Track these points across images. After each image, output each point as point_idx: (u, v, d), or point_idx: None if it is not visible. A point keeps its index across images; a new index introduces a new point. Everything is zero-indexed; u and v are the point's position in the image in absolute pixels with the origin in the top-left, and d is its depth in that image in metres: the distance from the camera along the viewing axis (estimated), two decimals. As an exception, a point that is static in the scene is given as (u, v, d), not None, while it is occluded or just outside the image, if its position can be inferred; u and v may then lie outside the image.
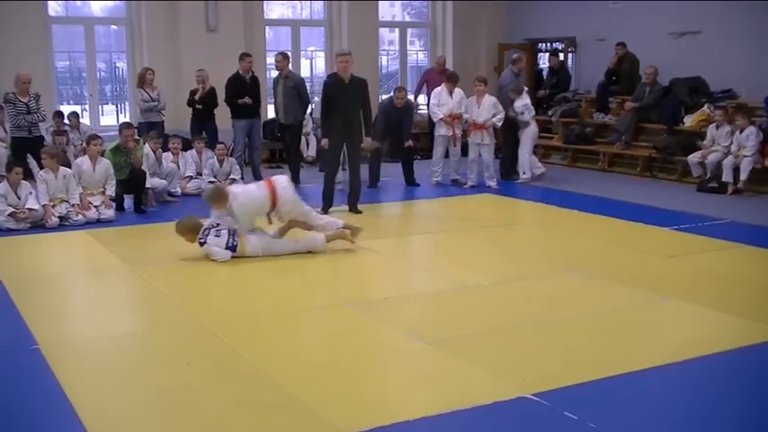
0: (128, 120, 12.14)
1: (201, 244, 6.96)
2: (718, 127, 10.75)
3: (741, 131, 10.41)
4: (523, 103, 11.23)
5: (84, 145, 9.70)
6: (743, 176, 10.22)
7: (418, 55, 16.61)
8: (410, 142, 11.10)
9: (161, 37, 12.82)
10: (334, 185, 9.36)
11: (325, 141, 9.08)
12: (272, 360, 4.77)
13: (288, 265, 7.27)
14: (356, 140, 9.09)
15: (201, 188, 10.40)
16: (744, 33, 11.57)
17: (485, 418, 4.00)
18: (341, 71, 8.95)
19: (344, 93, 8.89)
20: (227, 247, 6.91)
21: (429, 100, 11.94)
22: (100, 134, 10.10)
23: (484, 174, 11.01)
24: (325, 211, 8.86)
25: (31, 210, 8.41)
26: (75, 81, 14.76)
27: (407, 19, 17.02)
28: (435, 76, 13.33)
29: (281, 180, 7.22)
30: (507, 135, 11.70)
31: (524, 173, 11.38)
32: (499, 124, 11.04)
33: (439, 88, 11.36)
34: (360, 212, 9.07)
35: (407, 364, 4.78)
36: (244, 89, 11.07)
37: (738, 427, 3.96)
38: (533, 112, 11.48)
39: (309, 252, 7.15)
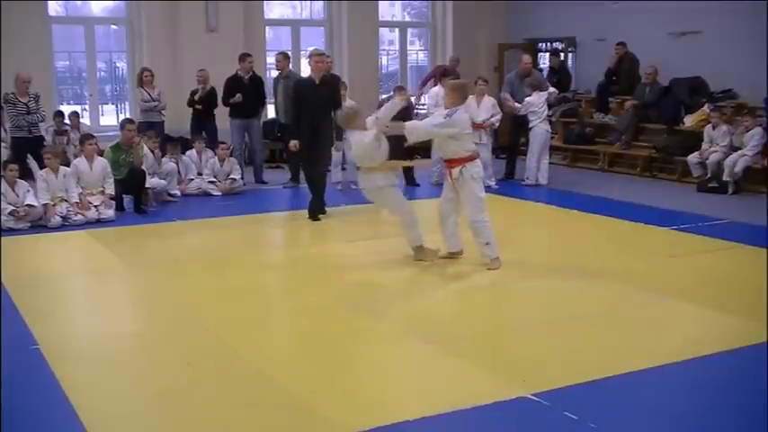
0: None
1: None
2: (714, 127, 10.76)
3: (748, 130, 10.42)
4: (537, 99, 10.97)
5: (80, 146, 9.69)
6: (737, 172, 10.19)
7: (418, 55, 16.60)
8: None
9: (161, 37, 12.80)
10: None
11: (294, 143, 8.92)
12: (272, 360, 4.78)
13: (288, 266, 7.28)
14: (324, 144, 8.84)
15: (202, 188, 10.41)
16: (744, 33, 11.56)
17: (485, 418, 4.00)
18: (313, 72, 8.81)
19: (314, 94, 8.67)
20: None
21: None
22: (100, 134, 10.09)
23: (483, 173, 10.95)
24: (317, 212, 8.75)
25: (30, 206, 8.42)
26: (75, 81, 14.76)
27: (407, 19, 17.01)
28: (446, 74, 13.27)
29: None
30: (513, 135, 11.69)
31: (528, 178, 11.12)
32: (497, 125, 11.03)
33: (437, 89, 11.35)
34: (318, 219, 8.72)
35: (407, 364, 4.78)
36: (241, 89, 11.05)
37: (738, 426, 3.95)
38: (545, 113, 11.12)
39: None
